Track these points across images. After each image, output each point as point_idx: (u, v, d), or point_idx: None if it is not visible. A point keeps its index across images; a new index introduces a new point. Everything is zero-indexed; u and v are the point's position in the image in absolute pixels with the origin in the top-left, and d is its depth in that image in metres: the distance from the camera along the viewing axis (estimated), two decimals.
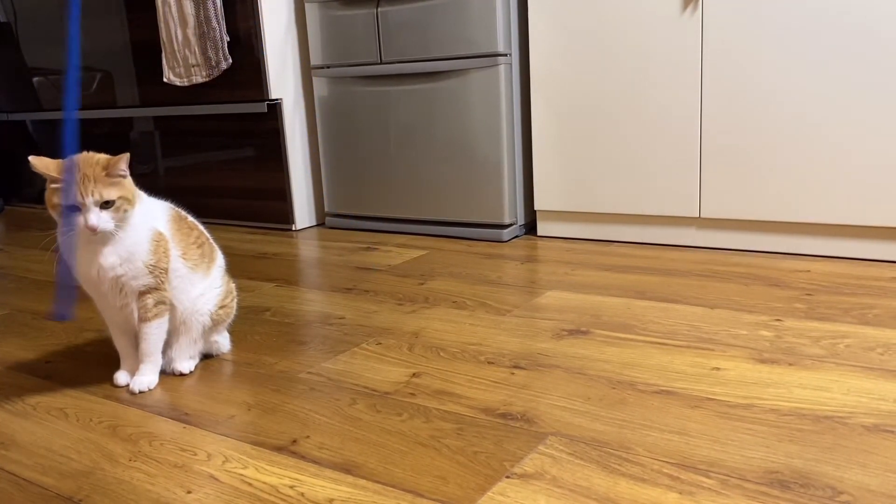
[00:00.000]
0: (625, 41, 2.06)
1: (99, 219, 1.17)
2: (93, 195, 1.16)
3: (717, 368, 1.27)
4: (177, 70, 2.74)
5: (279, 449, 1.07)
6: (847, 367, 1.25)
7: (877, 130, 1.79)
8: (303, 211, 2.75)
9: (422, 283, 1.89)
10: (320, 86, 2.58)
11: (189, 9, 2.61)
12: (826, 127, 1.85)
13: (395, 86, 2.41)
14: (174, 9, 2.65)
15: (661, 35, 2.01)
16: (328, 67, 2.54)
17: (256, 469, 1.02)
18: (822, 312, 1.52)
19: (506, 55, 2.21)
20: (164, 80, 2.77)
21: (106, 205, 1.18)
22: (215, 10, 2.56)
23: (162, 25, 2.71)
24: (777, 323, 1.47)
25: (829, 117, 1.84)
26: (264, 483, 0.99)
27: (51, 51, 3.25)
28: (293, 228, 2.73)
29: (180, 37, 2.68)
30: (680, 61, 2.00)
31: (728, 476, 0.94)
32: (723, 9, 1.91)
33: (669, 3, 1.97)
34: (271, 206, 2.75)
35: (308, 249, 2.41)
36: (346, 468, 1.01)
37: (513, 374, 1.30)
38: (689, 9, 1.95)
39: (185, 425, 1.17)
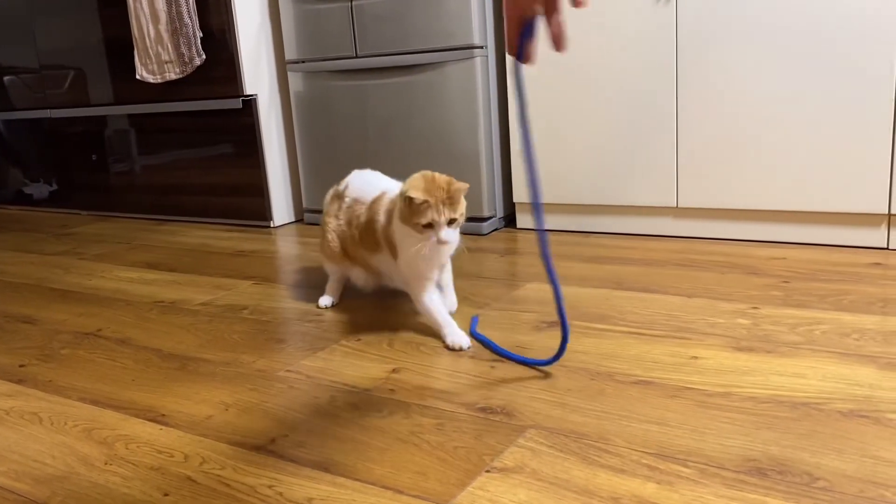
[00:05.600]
0: (599, 32, 2.06)
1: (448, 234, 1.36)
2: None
3: (696, 357, 1.27)
4: (149, 67, 2.71)
5: (257, 448, 1.06)
6: (823, 353, 1.26)
7: (851, 118, 1.80)
8: (280, 207, 2.73)
9: None
10: (296, 80, 2.56)
11: (160, 5, 2.58)
12: (800, 115, 1.86)
13: (371, 80, 2.40)
14: (145, 5, 2.62)
15: (635, 26, 2.01)
16: (303, 62, 2.52)
17: (234, 469, 1.01)
18: (799, 299, 1.53)
19: (482, 47, 2.20)
20: (137, 76, 2.74)
21: (451, 222, 1.36)
22: (187, 5, 2.53)
23: (133, 22, 2.68)
24: (754, 311, 1.48)
25: (804, 106, 1.85)
26: (242, 483, 0.98)
27: (20, 50, 3.20)
28: (271, 225, 2.71)
29: (152, 33, 2.64)
30: (655, 53, 2.00)
31: (706, 465, 0.94)
32: (696, 0, 1.92)
33: None
34: (248, 203, 2.73)
35: (286, 246, 2.39)
36: (325, 466, 1.00)
37: (492, 367, 1.29)
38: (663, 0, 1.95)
39: (161, 426, 1.15)
